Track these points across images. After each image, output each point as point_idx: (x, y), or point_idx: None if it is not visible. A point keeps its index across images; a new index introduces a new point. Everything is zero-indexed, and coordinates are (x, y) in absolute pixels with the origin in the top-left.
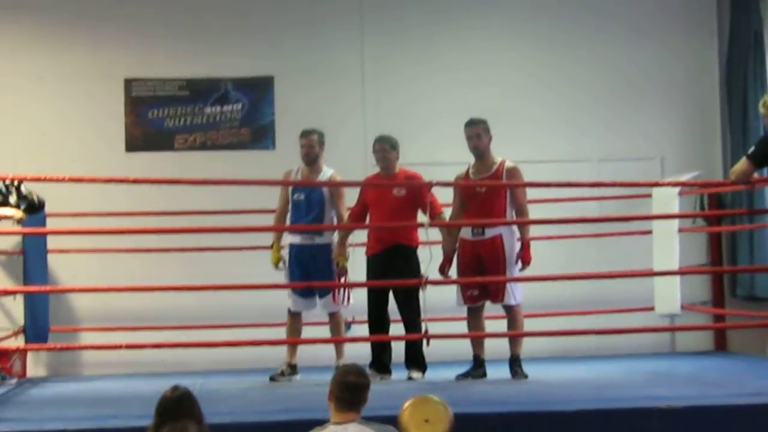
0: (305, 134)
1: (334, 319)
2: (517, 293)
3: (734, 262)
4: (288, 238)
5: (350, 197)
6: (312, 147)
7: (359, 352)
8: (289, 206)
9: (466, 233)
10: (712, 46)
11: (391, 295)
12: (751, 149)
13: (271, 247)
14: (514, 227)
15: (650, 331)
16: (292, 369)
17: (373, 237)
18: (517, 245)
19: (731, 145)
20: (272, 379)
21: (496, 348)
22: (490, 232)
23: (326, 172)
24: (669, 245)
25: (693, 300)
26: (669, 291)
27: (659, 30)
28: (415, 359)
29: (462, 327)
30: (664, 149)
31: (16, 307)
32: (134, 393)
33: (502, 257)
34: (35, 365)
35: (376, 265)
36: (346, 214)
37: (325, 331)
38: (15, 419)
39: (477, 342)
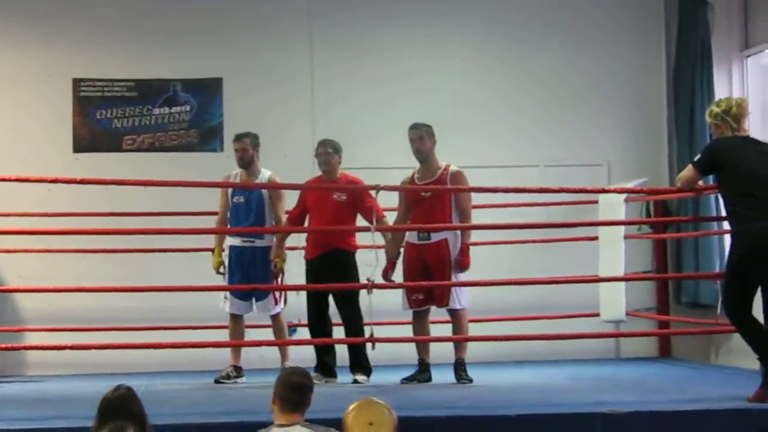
0: (238, 138)
1: (276, 321)
2: (462, 298)
3: (679, 269)
4: (228, 241)
5: (292, 200)
6: (246, 150)
7: (304, 356)
8: (229, 210)
9: (411, 237)
10: (660, 54)
11: (331, 299)
12: (698, 157)
13: (213, 251)
14: (459, 232)
15: (595, 337)
16: (237, 371)
17: (311, 241)
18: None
19: (677, 153)
20: (217, 381)
21: (441, 352)
22: (435, 237)
23: (264, 174)
24: (615, 252)
25: (638, 306)
26: (614, 297)
27: (607, 38)
28: (360, 362)
29: (407, 331)
30: (610, 156)
31: None
32: (79, 394)
33: (448, 262)
34: None
35: (315, 269)
36: (284, 217)
37: (269, 333)
38: None
39: (422, 346)
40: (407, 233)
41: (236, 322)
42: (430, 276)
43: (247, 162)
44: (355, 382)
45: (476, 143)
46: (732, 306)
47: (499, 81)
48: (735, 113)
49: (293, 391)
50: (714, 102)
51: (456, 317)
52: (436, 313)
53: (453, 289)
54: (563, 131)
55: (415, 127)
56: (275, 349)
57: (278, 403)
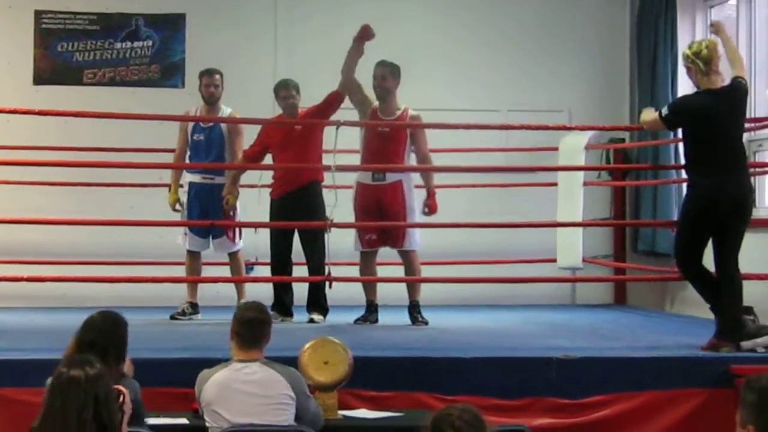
0: (210, 73)
1: (233, 259)
2: (416, 239)
3: (637, 217)
4: (187, 177)
5: (249, 139)
6: (217, 86)
7: (261, 294)
8: (188, 147)
9: (364, 178)
10: (624, 2)
11: (295, 237)
12: (665, 110)
13: (169, 187)
14: (412, 174)
15: (551, 281)
16: (193, 308)
17: (278, 179)
18: (417, 192)
19: (639, 101)
20: (173, 317)
21: (391, 293)
22: (390, 177)
23: (225, 111)
24: (573, 198)
25: (595, 253)
26: (571, 243)
27: None
28: (317, 302)
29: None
30: (572, 103)
31: None
32: (33, 326)
33: (402, 203)
34: None
35: (282, 207)
36: (241, 153)
37: (226, 271)
38: None
39: (371, 287)
40: (359, 174)
41: (193, 258)
42: (383, 217)
43: (216, 98)
44: (311, 321)
45: (438, 89)
46: (683, 257)
47: (461, 28)
48: (705, 56)
49: (249, 326)
50: (688, 44)
51: (409, 258)
52: (383, 254)
53: (408, 230)
54: (525, 78)
55: (381, 64)
56: (232, 287)
57: (236, 339)
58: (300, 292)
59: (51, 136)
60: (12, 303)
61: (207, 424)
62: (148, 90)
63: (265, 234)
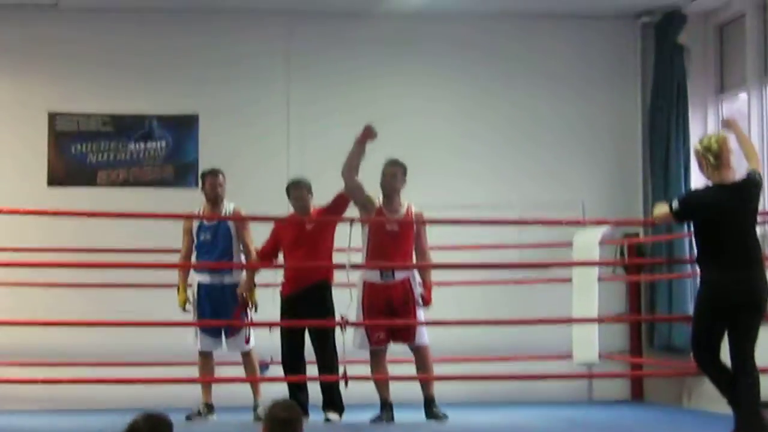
0: (214, 173)
1: (247, 358)
2: (426, 334)
3: (652, 312)
4: (196, 278)
5: (257, 232)
6: (221, 186)
7: (277, 394)
8: (194, 247)
9: (372, 277)
10: (635, 97)
11: (307, 336)
12: (675, 204)
13: (177, 288)
14: (415, 272)
15: (568, 378)
16: (209, 408)
17: (289, 277)
18: (419, 289)
19: (652, 194)
20: (188, 418)
21: (402, 392)
22: (399, 275)
23: (228, 206)
24: (588, 294)
25: (611, 349)
26: (587, 339)
27: (583, 81)
28: (333, 401)
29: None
30: (586, 197)
31: None
32: (50, 429)
33: (413, 299)
34: None
35: (292, 305)
36: (251, 245)
37: (241, 371)
38: None
39: (383, 385)
40: (365, 274)
41: (206, 359)
42: (393, 314)
43: (221, 197)
44: (327, 420)
45: (452, 184)
46: (699, 350)
47: (475, 123)
48: (715, 150)
49: (280, 427)
50: (699, 139)
51: (421, 354)
52: (392, 352)
53: (417, 325)
54: (539, 173)
55: (393, 164)
56: (247, 387)
57: None
58: (314, 391)
59: (65, 237)
60: (28, 406)
61: None
62: (163, 190)
63: (277, 333)
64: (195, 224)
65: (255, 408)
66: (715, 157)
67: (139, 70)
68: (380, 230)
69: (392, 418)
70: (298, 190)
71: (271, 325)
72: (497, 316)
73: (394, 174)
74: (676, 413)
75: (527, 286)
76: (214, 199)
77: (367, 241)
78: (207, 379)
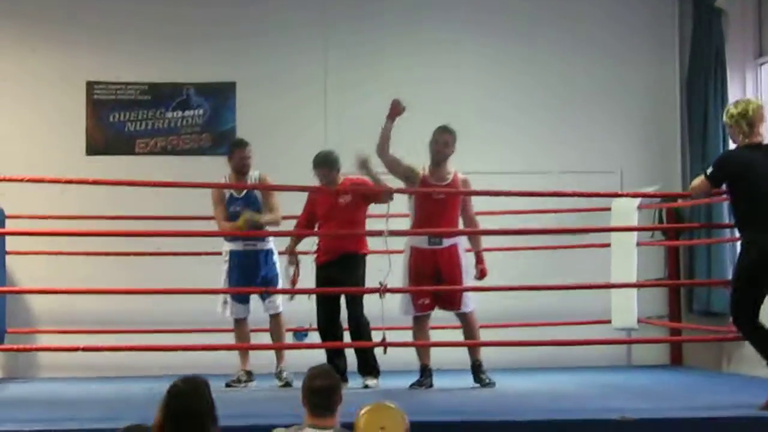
0: (244, 144)
1: (277, 320)
2: (471, 301)
3: (691, 277)
4: (227, 246)
5: (294, 200)
6: (250, 157)
7: (312, 360)
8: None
9: (420, 243)
10: (673, 61)
11: (342, 303)
12: (710, 169)
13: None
14: (464, 238)
15: (606, 344)
16: (248, 375)
17: (322, 247)
18: (467, 256)
19: (690, 160)
20: (228, 385)
21: (445, 357)
22: (447, 242)
23: (253, 174)
24: (627, 259)
25: (650, 314)
26: (626, 305)
27: (621, 46)
28: (369, 366)
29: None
30: (623, 163)
31: None
32: (91, 396)
33: (459, 266)
34: None
35: (326, 274)
36: (279, 209)
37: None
38: None
39: (425, 351)
40: (413, 239)
41: (241, 325)
42: (440, 280)
43: (248, 169)
44: (366, 386)
45: (489, 151)
46: (740, 313)
47: (512, 89)
48: (750, 117)
49: (321, 396)
50: (732, 102)
51: (468, 320)
52: (436, 318)
53: (464, 292)
54: (576, 139)
55: (445, 130)
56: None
57: (308, 407)
58: (350, 355)
59: (104, 205)
60: (68, 373)
61: None
62: (200, 158)
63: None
64: (225, 195)
65: (278, 373)
66: (748, 124)
67: (175, 38)
68: (427, 198)
69: (431, 384)
70: (318, 169)
71: (310, 292)
72: (536, 281)
73: (446, 142)
74: (715, 378)
75: (566, 251)
76: (243, 171)
77: (414, 209)
78: (244, 346)
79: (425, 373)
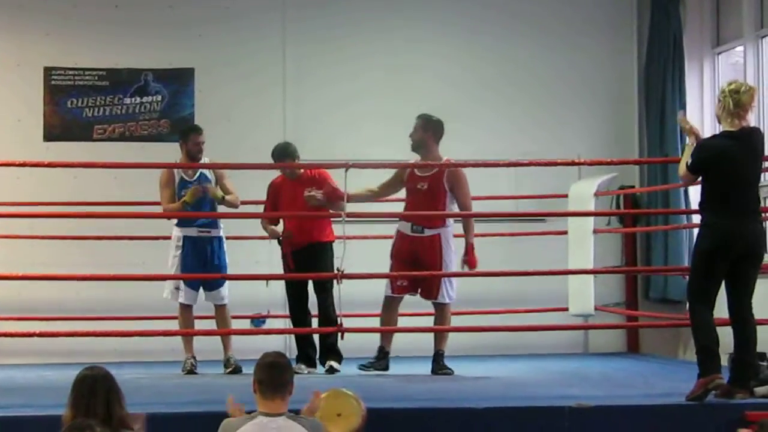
0: (199, 131)
1: (223, 311)
2: (452, 292)
3: (648, 264)
4: (181, 232)
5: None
6: (204, 143)
7: (272, 346)
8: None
9: (404, 228)
10: (632, 50)
11: (310, 290)
12: (690, 161)
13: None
14: (450, 228)
15: (563, 329)
16: (194, 360)
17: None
18: (452, 244)
19: (648, 148)
20: (190, 372)
21: (405, 344)
22: (429, 231)
23: (203, 161)
24: (584, 246)
25: (607, 301)
26: (583, 292)
27: (579, 35)
28: (334, 349)
29: (375, 322)
30: (581, 151)
31: None
32: (47, 382)
33: (439, 256)
34: None
35: (294, 262)
36: (236, 193)
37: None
38: None
39: (385, 334)
40: (401, 224)
41: (188, 311)
42: (418, 267)
43: (202, 154)
44: (331, 368)
45: (447, 140)
46: (694, 295)
47: (471, 78)
48: (738, 98)
49: (271, 371)
50: (729, 81)
51: (442, 310)
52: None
53: (443, 282)
54: (533, 126)
55: (417, 117)
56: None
57: (258, 389)
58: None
59: (61, 191)
60: (25, 359)
61: None
62: (158, 145)
63: (276, 286)
64: (176, 180)
65: (227, 360)
66: (735, 104)
67: (134, 24)
68: (412, 188)
69: (386, 367)
70: (280, 161)
71: (271, 278)
72: (493, 267)
73: (414, 127)
74: (671, 365)
75: (523, 238)
76: (196, 157)
77: (393, 180)
78: (222, 332)
79: (381, 354)
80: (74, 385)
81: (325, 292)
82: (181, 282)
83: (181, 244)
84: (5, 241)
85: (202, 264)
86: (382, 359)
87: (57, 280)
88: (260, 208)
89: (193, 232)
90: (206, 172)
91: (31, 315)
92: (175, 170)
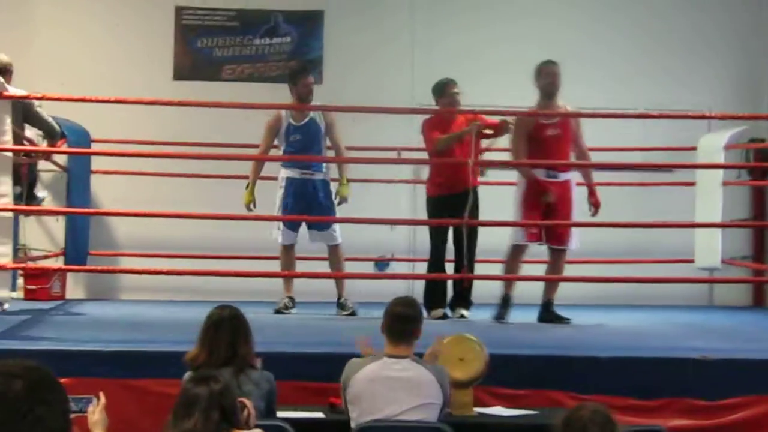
0: (310, 72)
1: (336, 251)
2: (576, 240)
3: None
4: (283, 173)
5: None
6: (314, 84)
7: (397, 291)
8: (284, 148)
9: (538, 173)
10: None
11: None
12: None
13: (247, 187)
14: (575, 173)
15: (689, 282)
16: (292, 301)
17: (439, 182)
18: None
19: None
20: (278, 312)
21: (529, 291)
22: (563, 176)
23: (315, 104)
24: (712, 198)
25: (733, 254)
26: (710, 244)
27: None
28: (465, 297)
29: (497, 269)
30: (710, 103)
31: (58, 228)
32: (170, 319)
33: (570, 201)
34: (74, 287)
35: (443, 205)
36: (343, 144)
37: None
38: (52, 338)
39: (510, 282)
40: (524, 171)
41: (289, 252)
42: (550, 213)
43: (312, 97)
44: (462, 317)
45: (576, 88)
46: None
47: (602, 27)
48: None
49: (397, 322)
50: None
51: (560, 257)
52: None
53: (573, 230)
54: (662, 76)
55: (553, 63)
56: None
57: (386, 334)
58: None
59: (191, 131)
60: (151, 296)
61: (352, 415)
62: (287, 86)
63: (401, 231)
64: (283, 125)
65: (342, 303)
66: None
67: None
68: (541, 136)
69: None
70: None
71: (394, 223)
72: (621, 218)
73: (557, 74)
74: None
75: (651, 189)
76: (307, 98)
77: (528, 144)
78: (343, 275)
79: (506, 302)
80: (204, 322)
81: (472, 240)
82: (281, 223)
83: (284, 185)
84: (131, 178)
85: (306, 205)
86: (506, 307)
87: (182, 218)
88: (387, 154)
89: (296, 173)
90: (315, 116)
91: (156, 252)
92: (283, 114)
